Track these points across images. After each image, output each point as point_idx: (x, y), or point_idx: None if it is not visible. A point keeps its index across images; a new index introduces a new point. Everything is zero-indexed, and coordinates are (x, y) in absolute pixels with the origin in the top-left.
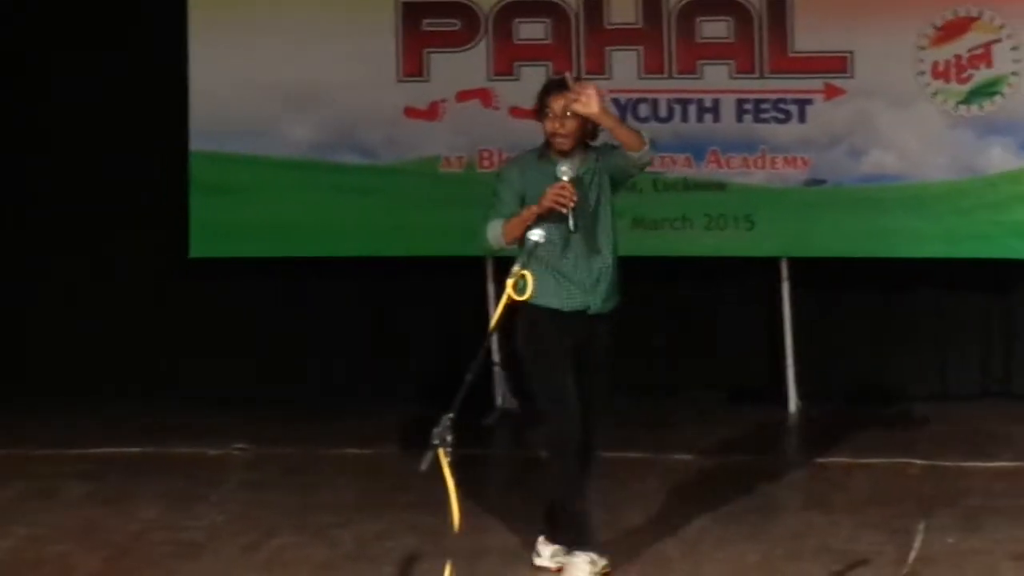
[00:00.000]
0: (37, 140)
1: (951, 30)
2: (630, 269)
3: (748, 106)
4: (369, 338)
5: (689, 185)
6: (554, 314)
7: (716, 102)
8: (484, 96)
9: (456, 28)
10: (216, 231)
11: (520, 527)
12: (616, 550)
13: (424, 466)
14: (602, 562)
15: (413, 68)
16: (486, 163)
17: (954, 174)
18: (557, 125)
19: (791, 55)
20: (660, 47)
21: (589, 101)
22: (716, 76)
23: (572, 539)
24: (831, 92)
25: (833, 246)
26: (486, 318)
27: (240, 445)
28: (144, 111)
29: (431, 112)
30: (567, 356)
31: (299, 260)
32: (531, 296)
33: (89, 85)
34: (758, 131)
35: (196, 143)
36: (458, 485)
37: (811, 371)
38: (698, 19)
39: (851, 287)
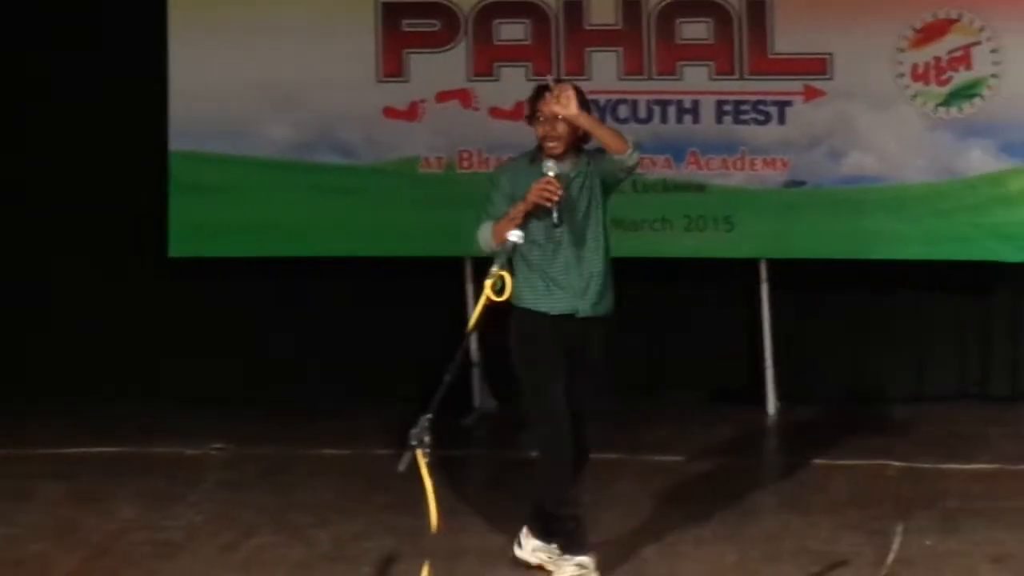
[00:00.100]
0: (13, 141)
1: (931, 32)
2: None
3: (728, 107)
4: (347, 338)
5: (669, 186)
6: (543, 317)
7: (696, 103)
8: (464, 97)
9: (436, 29)
10: (196, 231)
11: (499, 528)
12: (594, 550)
13: (402, 467)
14: (591, 566)
15: (393, 68)
16: (465, 164)
17: (933, 176)
18: (548, 129)
19: (771, 57)
20: (640, 48)
21: (568, 103)
22: (696, 77)
23: (561, 543)
24: (811, 94)
25: (812, 248)
26: (465, 319)
27: (218, 445)
28: (124, 111)
29: (411, 112)
30: (557, 360)
31: (278, 260)
32: (521, 299)
33: (68, 85)
34: (738, 132)
35: (176, 143)
36: (436, 486)
37: (790, 373)
38: (678, 20)
39: (830, 289)
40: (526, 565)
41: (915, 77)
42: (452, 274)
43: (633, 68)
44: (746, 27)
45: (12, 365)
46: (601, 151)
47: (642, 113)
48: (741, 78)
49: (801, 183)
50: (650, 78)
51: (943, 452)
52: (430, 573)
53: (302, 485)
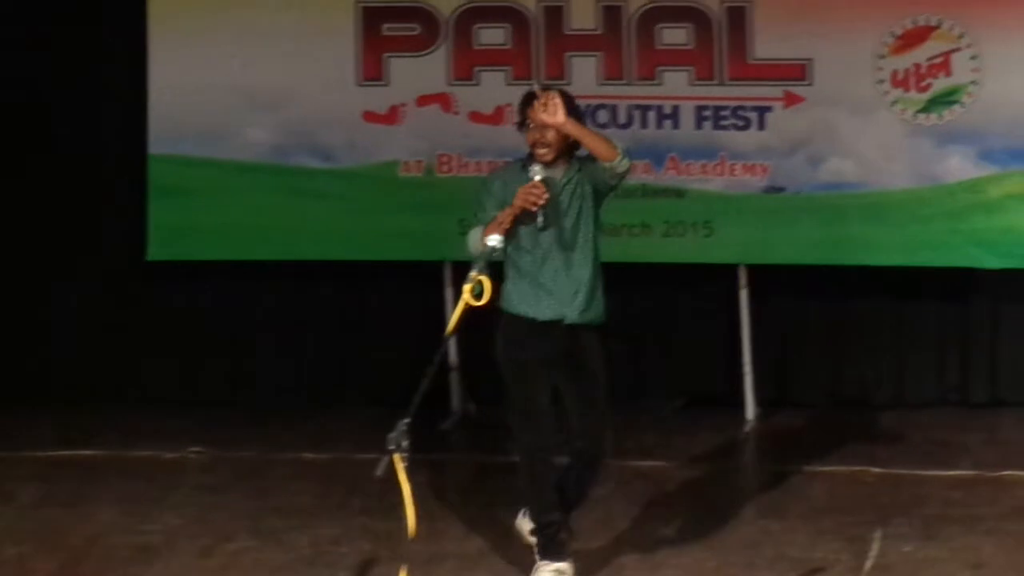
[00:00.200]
0: None
1: (910, 39)
2: None
3: (707, 113)
4: (326, 342)
5: (648, 192)
6: (531, 323)
7: (675, 109)
8: (444, 101)
9: (416, 33)
10: (174, 234)
11: (477, 533)
12: (572, 556)
13: (380, 471)
14: (570, 572)
15: (373, 72)
16: (445, 168)
17: (913, 182)
18: (538, 135)
19: (751, 62)
20: (620, 53)
21: (555, 111)
22: (676, 83)
23: (539, 549)
24: (790, 99)
25: (791, 254)
26: (443, 323)
27: (196, 448)
28: (103, 114)
29: (391, 116)
30: (543, 367)
31: (257, 263)
32: (509, 304)
33: (47, 88)
34: (717, 138)
35: (155, 146)
36: (415, 490)
37: (769, 379)
38: (658, 26)
39: (809, 295)
40: (520, 540)
41: (895, 83)
42: (431, 278)
43: (613, 73)
44: (726, 32)
45: None
46: (592, 158)
47: (622, 118)
48: (721, 83)
49: (781, 189)
50: (630, 83)
51: (922, 458)
52: None
53: (280, 489)
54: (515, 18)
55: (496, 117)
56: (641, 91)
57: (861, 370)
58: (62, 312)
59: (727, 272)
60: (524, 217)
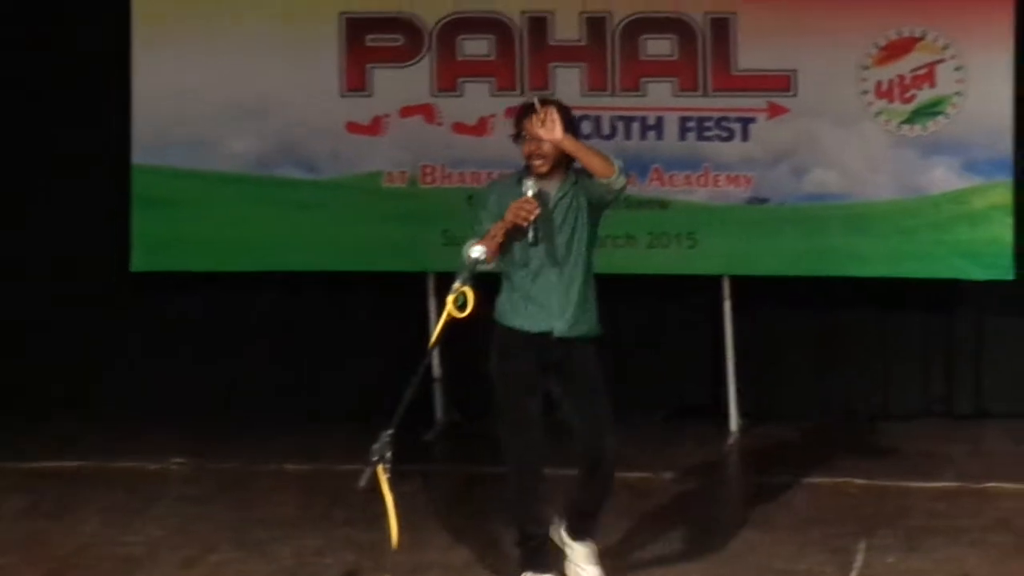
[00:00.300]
0: None
1: (894, 50)
2: None
3: (691, 124)
4: (309, 353)
5: (632, 203)
6: (523, 335)
7: (659, 120)
8: (427, 112)
9: (400, 44)
10: (158, 245)
11: (460, 543)
12: (555, 568)
13: (363, 483)
14: None
15: (356, 83)
16: (428, 179)
17: (897, 193)
18: (534, 148)
19: (734, 73)
20: (604, 64)
21: (552, 127)
22: (659, 94)
23: (522, 560)
24: (774, 110)
25: (775, 265)
26: (427, 334)
27: (179, 459)
28: (87, 124)
29: (374, 127)
30: (534, 378)
31: (240, 274)
32: (502, 316)
33: (31, 99)
34: (701, 149)
35: (138, 157)
36: (398, 501)
37: (753, 390)
38: (642, 37)
39: (793, 305)
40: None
41: (879, 94)
42: (415, 289)
43: (597, 84)
44: (710, 44)
45: None
46: (589, 172)
47: (606, 129)
48: (705, 95)
49: (764, 200)
50: (614, 94)
51: (906, 470)
52: None
53: (263, 500)
54: (499, 29)
55: (480, 128)
56: (625, 102)
57: (845, 381)
58: (45, 323)
59: (711, 283)
60: (516, 232)
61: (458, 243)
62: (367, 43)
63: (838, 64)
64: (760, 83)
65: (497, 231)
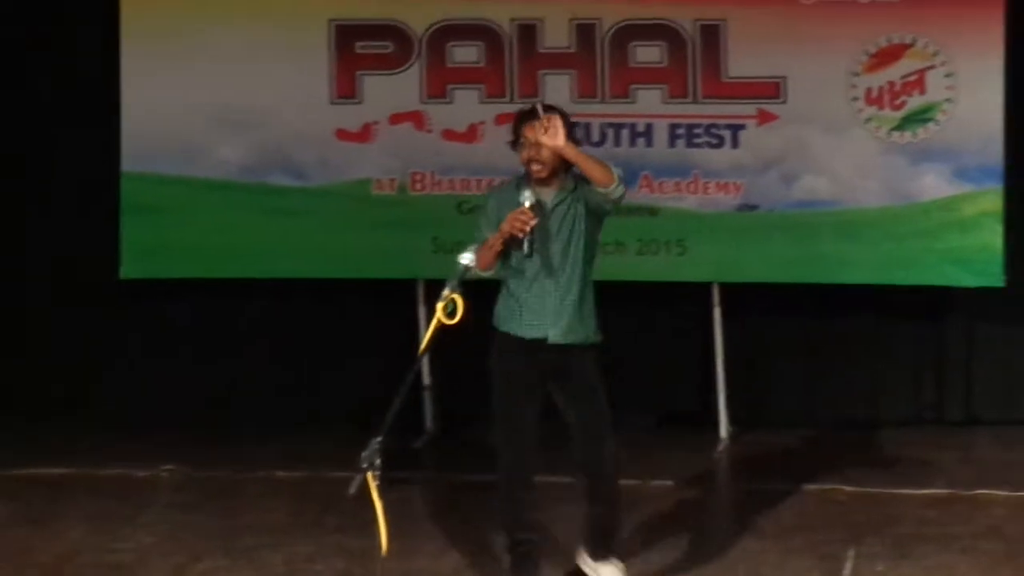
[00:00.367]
0: None
1: (885, 56)
2: None
3: (681, 131)
4: (299, 360)
5: (621, 210)
6: (518, 341)
7: (649, 127)
8: (417, 119)
9: (389, 51)
10: (147, 252)
11: (449, 550)
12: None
13: (352, 490)
14: None
15: (346, 90)
16: (418, 186)
17: (887, 200)
18: (533, 153)
19: (724, 80)
20: (593, 71)
21: (555, 134)
22: (649, 100)
23: (510, 567)
24: (764, 117)
25: (765, 272)
26: (416, 341)
27: (168, 466)
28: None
29: (363, 134)
30: (529, 385)
31: (230, 281)
32: (499, 322)
33: (20, 107)
34: (691, 156)
35: (128, 164)
36: (387, 508)
37: (742, 397)
38: (631, 44)
39: (783, 313)
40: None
41: (869, 101)
42: (404, 296)
43: (586, 91)
44: (699, 51)
45: None
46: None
47: (595, 136)
48: (694, 101)
49: (754, 207)
50: (603, 101)
51: (896, 477)
52: None
53: (253, 507)
54: (488, 36)
55: (469, 135)
56: (614, 109)
57: (835, 388)
58: (34, 329)
59: (701, 290)
60: (513, 242)
61: (448, 250)
62: (357, 50)
63: (828, 71)
64: (750, 90)
65: (495, 241)
